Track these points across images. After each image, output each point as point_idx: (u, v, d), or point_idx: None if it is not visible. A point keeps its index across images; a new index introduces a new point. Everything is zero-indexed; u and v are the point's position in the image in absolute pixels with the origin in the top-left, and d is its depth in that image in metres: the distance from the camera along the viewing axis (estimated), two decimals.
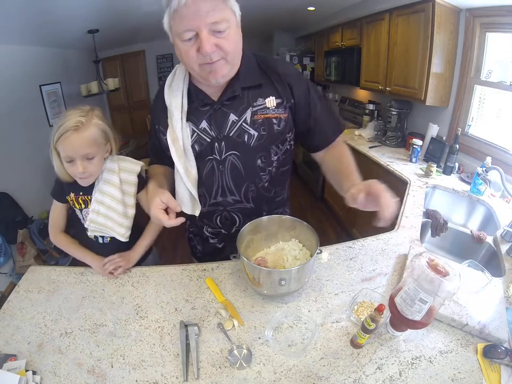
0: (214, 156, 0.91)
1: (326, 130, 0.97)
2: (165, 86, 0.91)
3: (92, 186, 1.06)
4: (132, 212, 1.11)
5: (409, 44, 2.18)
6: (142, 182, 1.12)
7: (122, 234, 1.10)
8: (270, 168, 0.95)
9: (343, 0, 2.86)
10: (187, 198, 0.96)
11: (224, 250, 1.11)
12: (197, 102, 0.88)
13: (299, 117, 0.93)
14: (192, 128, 0.89)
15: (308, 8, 3.33)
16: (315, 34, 4.16)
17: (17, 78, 2.59)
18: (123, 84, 4.72)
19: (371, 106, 3.07)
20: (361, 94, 3.43)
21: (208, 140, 0.90)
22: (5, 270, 2.15)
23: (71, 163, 0.94)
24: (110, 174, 1.06)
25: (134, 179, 1.10)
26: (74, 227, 1.16)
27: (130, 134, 4.83)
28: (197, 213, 0.97)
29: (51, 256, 2.42)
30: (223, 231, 1.06)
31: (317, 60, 4.19)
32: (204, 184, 0.96)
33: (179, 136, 0.88)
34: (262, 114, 0.87)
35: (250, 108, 0.87)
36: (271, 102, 0.88)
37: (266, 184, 0.98)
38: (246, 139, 0.89)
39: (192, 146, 0.90)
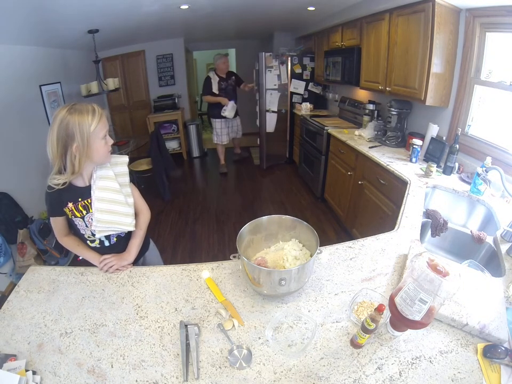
0: None
1: None
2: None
3: (89, 189, 1.07)
4: (131, 200, 1.17)
5: (409, 44, 2.18)
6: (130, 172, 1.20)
7: (130, 223, 1.15)
8: None
9: (343, 0, 2.86)
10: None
11: None
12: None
13: None
14: None
15: (308, 8, 3.32)
16: (315, 34, 4.16)
17: (17, 78, 2.58)
18: (123, 84, 4.72)
19: (371, 106, 3.06)
20: (361, 94, 3.43)
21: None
22: (5, 270, 2.15)
23: (104, 140, 1.03)
24: (104, 170, 1.09)
25: (126, 169, 1.16)
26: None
27: (130, 134, 4.83)
28: None
29: (51, 256, 2.42)
30: None
31: (317, 60, 4.19)
32: None
33: None
34: None
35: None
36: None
37: None
38: None
39: None
